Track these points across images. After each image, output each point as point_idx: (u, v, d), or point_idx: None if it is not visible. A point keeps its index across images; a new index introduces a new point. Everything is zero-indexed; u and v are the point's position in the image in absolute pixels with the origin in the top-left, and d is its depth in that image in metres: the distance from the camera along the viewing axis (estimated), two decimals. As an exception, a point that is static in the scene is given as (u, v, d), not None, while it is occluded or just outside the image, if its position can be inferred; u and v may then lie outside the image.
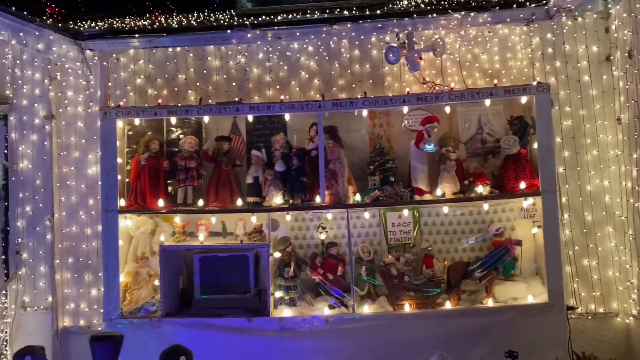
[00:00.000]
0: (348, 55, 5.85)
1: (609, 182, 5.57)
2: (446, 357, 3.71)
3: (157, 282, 5.33)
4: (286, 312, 5.19)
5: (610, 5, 5.49)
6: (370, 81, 5.82)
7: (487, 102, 5.23)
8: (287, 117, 5.41)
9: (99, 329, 5.69)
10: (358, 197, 5.28)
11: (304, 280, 5.40)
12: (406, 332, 5.03)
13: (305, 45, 5.83)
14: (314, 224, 5.63)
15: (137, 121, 5.51)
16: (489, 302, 5.12)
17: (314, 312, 5.15)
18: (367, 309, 5.17)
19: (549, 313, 4.96)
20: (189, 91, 5.86)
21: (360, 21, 5.34)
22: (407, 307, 5.12)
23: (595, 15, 5.58)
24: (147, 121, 5.56)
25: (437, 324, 5.03)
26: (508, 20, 5.31)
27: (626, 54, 5.20)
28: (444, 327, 5.01)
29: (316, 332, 5.05)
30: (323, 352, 5.05)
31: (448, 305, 5.13)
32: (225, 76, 5.86)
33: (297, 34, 5.25)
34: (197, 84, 5.87)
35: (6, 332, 5.65)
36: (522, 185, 5.15)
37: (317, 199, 5.22)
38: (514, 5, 5.19)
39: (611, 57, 5.56)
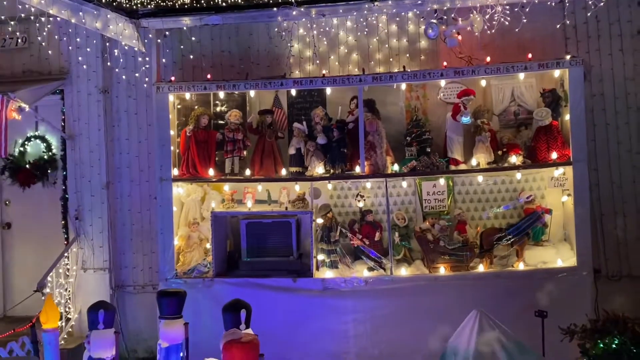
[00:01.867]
0: (386, 30, 6.06)
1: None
2: (485, 312, 4.00)
3: (207, 246, 5.73)
4: (328, 273, 5.56)
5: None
6: (407, 55, 6.05)
7: (521, 75, 5.44)
8: (327, 91, 5.69)
9: (152, 288, 6.15)
10: (396, 167, 5.58)
11: (343, 245, 5.75)
12: (441, 293, 5.36)
13: (344, 21, 6.06)
14: (353, 192, 5.95)
15: (187, 95, 5.84)
16: (520, 266, 5.42)
17: (354, 274, 5.52)
18: (404, 271, 5.51)
19: (577, 275, 5.25)
20: (232, 66, 6.15)
21: (401, -4, 5.54)
22: (442, 270, 5.46)
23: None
24: (195, 95, 5.88)
25: (470, 286, 5.34)
26: (543, -6, 5.47)
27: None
28: (476, 289, 5.32)
29: (357, 292, 5.42)
30: (363, 311, 5.43)
31: (481, 268, 5.44)
32: (267, 52, 6.14)
33: (340, 10, 5.47)
34: (241, 59, 6.15)
35: (69, 290, 6.13)
36: (554, 155, 5.39)
37: (357, 169, 5.52)
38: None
39: (644, 30, 5.71)
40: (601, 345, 3.83)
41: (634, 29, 5.76)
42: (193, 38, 6.12)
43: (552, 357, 4.39)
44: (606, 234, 5.85)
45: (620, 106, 5.85)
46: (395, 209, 5.90)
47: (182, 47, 6.19)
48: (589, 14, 5.71)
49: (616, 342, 3.79)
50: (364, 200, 5.83)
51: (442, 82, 5.63)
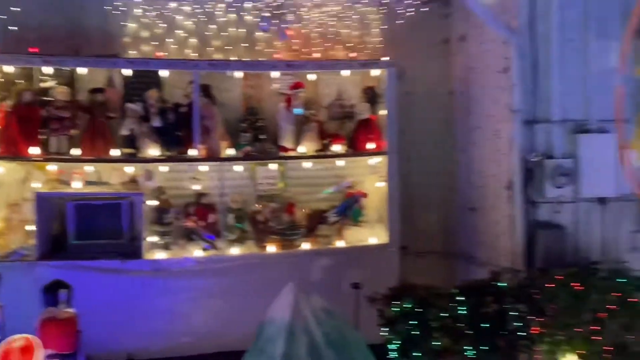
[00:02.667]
0: (225, 18, 6.23)
1: (442, 145, 6.68)
2: (299, 285, 4.43)
3: (29, 228, 5.47)
4: (160, 255, 5.65)
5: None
6: (245, 45, 6.29)
7: (346, 72, 6.01)
8: (164, 73, 5.73)
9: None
10: (231, 152, 5.83)
11: (177, 227, 5.88)
12: (270, 270, 5.73)
13: (182, 5, 6.11)
14: (188, 175, 6.08)
15: (10, 69, 5.48)
16: (340, 244, 6.02)
17: (187, 255, 5.68)
18: (236, 250, 5.81)
19: (386, 252, 5.98)
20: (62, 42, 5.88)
21: (236, -12, 5.77)
22: (272, 249, 5.85)
23: (436, 3, 6.53)
24: (19, 69, 5.53)
25: (296, 263, 5.81)
26: (365, 1, 6.07)
27: (459, 38, 6.26)
28: (302, 265, 5.81)
29: (189, 272, 5.60)
30: (195, 290, 5.62)
31: (306, 246, 5.95)
32: (101, 29, 5.98)
33: (175, -5, 5.56)
34: (71, 35, 5.91)
35: None
36: (372, 145, 6.05)
37: (192, 152, 5.67)
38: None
39: (448, 40, 6.57)
40: (394, 308, 4.49)
41: (441, 37, 6.61)
42: (18, 8, 5.73)
43: (368, 324, 4.96)
44: (415, 216, 6.70)
45: (429, 104, 6.70)
46: (231, 192, 6.15)
47: (4, 17, 5.76)
48: (398, 22, 6.42)
49: (406, 305, 4.47)
50: (200, 183, 6.00)
51: (276, 74, 5.97)
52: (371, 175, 6.32)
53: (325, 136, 6.12)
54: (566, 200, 5.19)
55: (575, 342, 4.49)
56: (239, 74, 5.93)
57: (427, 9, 6.11)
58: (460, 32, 6.25)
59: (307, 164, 6.12)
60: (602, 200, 5.25)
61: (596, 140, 5.07)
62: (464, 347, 4.46)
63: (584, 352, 4.45)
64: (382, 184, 6.25)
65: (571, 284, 4.57)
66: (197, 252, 5.73)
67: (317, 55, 6.20)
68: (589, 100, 5.15)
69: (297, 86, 5.93)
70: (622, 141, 3.17)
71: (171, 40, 6.10)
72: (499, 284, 4.65)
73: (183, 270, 5.60)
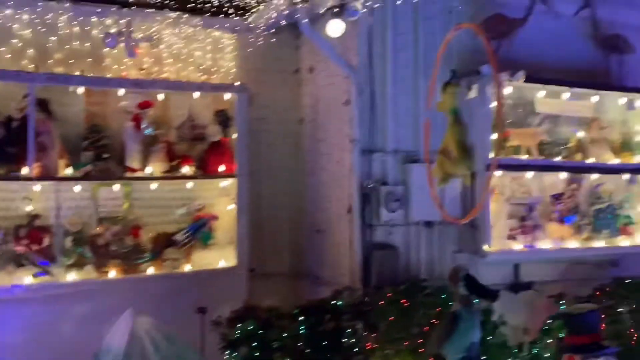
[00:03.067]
0: (68, 31, 5.93)
1: (290, 169, 6.93)
2: (138, 311, 4.32)
3: None
4: (-17, 282, 5.14)
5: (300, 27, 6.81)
6: (90, 59, 6.03)
7: (196, 94, 6.02)
8: (-6, 85, 5.29)
9: None
10: (70, 171, 5.51)
11: (5, 251, 5.39)
12: (112, 296, 5.46)
13: (19, 13, 5.71)
14: (20, 195, 5.63)
15: None
16: (188, 267, 5.95)
17: (16, 281, 5.23)
18: (73, 276, 5.47)
19: (235, 275, 6.02)
20: None
21: (81, 1, 5.54)
22: (113, 273, 5.60)
23: (288, 34, 6.81)
24: None
25: (140, 288, 5.61)
26: (217, 26, 6.18)
27: (308, 69, 6.60)
28: (147, 290, 5.62)
29: (19, 300, 5.16)
30: (27, 319, 5.18)
31: (151, 270, 5.78)
32: None
33: (10, 2, 5.17)
34: None
35: None
36: (222, 168, 6.09)
37: (25, 171, 5.27)
38: (222, 16, 6.07)
39: (298, 70, 6.89)
40: (237, 331, 4.56)
41: (292, 67, 6.90)
42: None
43: (214, 349, 4.93)
44: (265, 238, 6.83)
45: (281, 130, 6.92)
46: (70, 214, 5.80)
47: None
48: (251, 49, 6.62)
49: (249, 327, 4.56)
50: (32, 203, 5.58)
51: (122, 91, 5.80)
52: (222, 197, 6.35)
53: (175, 157, 6.04)
54: (398, 224, 5.66)
55: (404, 354, 4.90)
56: (81, 90, 5.66)
57: (274, 39, 6.38)
58: (309, 64, 6.59)
59: (154, 186, 5.98)
60: (428, 224, 5.81)
61: (423, 169, 5.62)
62: (303, 366, 4.64)
63: (410, 363, 4.87)
64: (232, 207, 6.31)
65: (400, 300, 4.99)
66: (29, 278, 5.30)
67: (167, 75, 6.13)
68: (418, 134, 5.70)
69: (145, 105, 5.81)
70: (430, 171, 3.60)
71: (4, 49, 5.66)
72: (337, 302, 4.93)
73: (12, 298, 5.14)
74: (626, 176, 6.36)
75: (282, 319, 4.72)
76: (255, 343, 4.53)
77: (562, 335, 5.25)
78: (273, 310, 4.74)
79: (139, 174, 5.82)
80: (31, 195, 5.57)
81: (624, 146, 6.43)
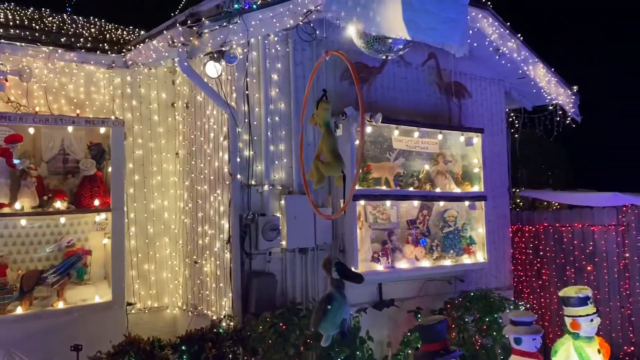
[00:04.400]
0: None
1: (168, 202, 7.06)
2: (15, 353, 4.20)
3: None
4: None
5: (177, 64, 7.04)
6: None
7: (70, 128, 5.97)
8: None
9: None
10: None
11: None
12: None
13: None
14: None
15: None
16: (60, 305, 5.79)
17: None
18: None
19: (112, 309, 5.97)
20: None
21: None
22: (-24, 316, 5.30)
23: (165, 69, 7.03)
24: None
25: (8, 328, 5.37)
26: (92, 62, 6.21)
27: (184, 104, 6.84)
28: (16, 330, 5.39)
29: None
30: None
31: (19, 310, 5.54)
32: None
33: None
34: None
35: None
36: (97, 202, 6.05)
37: None
38: (98, 51, 6.12)
39: (175, 104, 7.10)
40: (120, 365, 4.59)
41: (168, 101, 7.08)
42: None
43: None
44: (140, 272, 6.84)
45: (159, 163, 7.02)
46: None
47: None
48: (131, 82, 6.74)
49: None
50: None
51: (-13, 125, 5.58)
52: (96, 232, 6.28)
53: (46, 192, 5.90)
54: (275, 252, 6.06)
55: (283, 374, 5.24)
56: (-59, 122, 5.37)
57: (151, 76, 6.56)
58: (187, 98, 6.83)
59: (24, 221, 5.78)
60: (303, 251, 6.28)
61: (297, 200, 6.11)
62: (186, 394, 4.79)
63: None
64: (106, 241, 6.27)
65: (279, 324, 5.35)
66: None
67: (38, 108, 6.01)
68: (293, 168, 6.21)
69: (13, 139, 5.63)
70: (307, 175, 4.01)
71: None
72: (219, 330, 5.16)
73: None
74: (467, 203, 7.38)
75: (164, 350, 4.83)
76: (139, 375, 4.60)
77: (418, 345, 5.98)
78: (155, 341, 4.84)
79: (7, 210, 5.60)
80: None
81: (465, 177, 7.47)
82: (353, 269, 6.19)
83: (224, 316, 5.76)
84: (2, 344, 5.25)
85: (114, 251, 6.08)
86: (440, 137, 7.25)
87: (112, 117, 6.21)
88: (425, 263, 6.96)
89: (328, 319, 4.07)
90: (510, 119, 8.96)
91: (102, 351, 4.83)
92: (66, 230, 6.22)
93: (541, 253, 8.83)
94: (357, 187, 5.96)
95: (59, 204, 5.85)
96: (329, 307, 4.04)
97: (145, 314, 6.79)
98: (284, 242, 6.09)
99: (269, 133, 6.13)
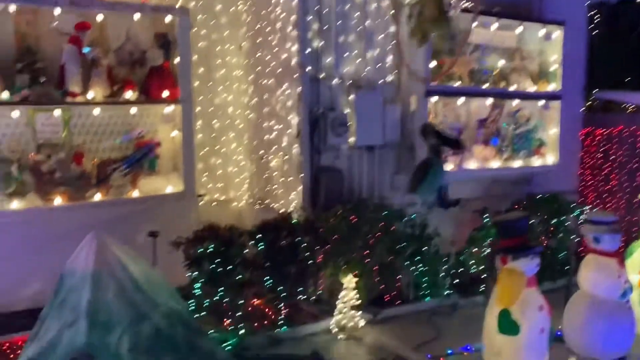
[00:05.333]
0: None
1: (233, 96, 6.98)
2: (101, 233, 4.33)
3: None
4: None
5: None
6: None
7: (136, 16, 5.81)
8: None
9: None
10: (6, 95, 5.23)
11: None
12: (58, 224, 5.43)
13: None
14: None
15: None
16: (135, 194, 5.96)
17: (-44, 210, 5.04)
18: (15, 205, 5.33)
19: (184, 200, 6.11)
20: None
21: None
22: (59, 201, 5.51)
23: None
24: None
25: (87, 215, 5.57)
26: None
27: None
28: (94, 217, 5.58)
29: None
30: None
31: (98, 197, 5.74)
32: None
33: None
34: None
35: None
36: (165, 93, 6.01)
37: (-46, 94, 4.96)
38: None
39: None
40: (200, 249, 4.75)
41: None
42: None
43: (165, 270, 5.09)
44: (207, 165, 6.93)
45: (218, 54, 6.85)
46: (5, 140, 5.55)
47: None
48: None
49: (211, 246, 4.76)
50: (-35, 129, 5.29)
51: (58, 10, 5.46)
52: (165, 123, 6.31)
53: (115, 82, 5.88)
54: (343, 148, 5.98)
55: (352, 264, 5.34)
56: (12, 7, 5.28)
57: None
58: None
59: (96, 111, 5.82)
60: (370, 148, 6.18)
61: (367, 95, 5.91)
62: (263, 279, 4.97)
63: (358, 272, 5.33)
64: (176, 133, 6.30)
65: (350, 217, 5.38)
66: (-33, 207, 5.11)
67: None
68: (364, 59, 5.94)
69: (83, 26, 5.54)
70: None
71: None
72: (292, 221, 5.23)
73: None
74: (542, 102, 7.02)
75: (242, 237, 4.95)
76: (218, 260, 4.75)
77: (488, 241, 5.98)
78: (233, 229, 4.96)
79: (79, 99, 5.63)
80: (-38, 121, 5.27)
81: (541, 75, 7.06)
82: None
83: (293, 209, 5.82)
84: (85, 229, 5.47)
85: (184, 142, 6.11)
86: (519, 30, 6.76)
87: (178, 6, 6.00)
88: (494, 164, 6.78)
89: (426, 183, 3.98)
90: (591, 13, 8.27)
91: (182, 236, 4.98)
92: (136, 122, 6.26)
93: (612, 157, 8.46)
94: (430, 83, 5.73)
95: (129, 94, 5.83)
96: (428, 172, 3.89)
97: (212, 206, 6.95)
98: (352, 139, 5.98)
99: (339, 22, 5.82)
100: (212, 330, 4.60)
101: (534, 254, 4.26)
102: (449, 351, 4.77)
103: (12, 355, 4.54)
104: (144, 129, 6.21)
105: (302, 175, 5.80)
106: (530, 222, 6.48)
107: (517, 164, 6.95)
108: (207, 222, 5.26)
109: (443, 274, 5.88)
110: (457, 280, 6.02)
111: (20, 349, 4.57)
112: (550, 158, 7.18)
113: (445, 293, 5.87)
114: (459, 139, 4.23)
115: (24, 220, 5.31)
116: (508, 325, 4.20)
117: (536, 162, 7.10)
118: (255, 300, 5.03)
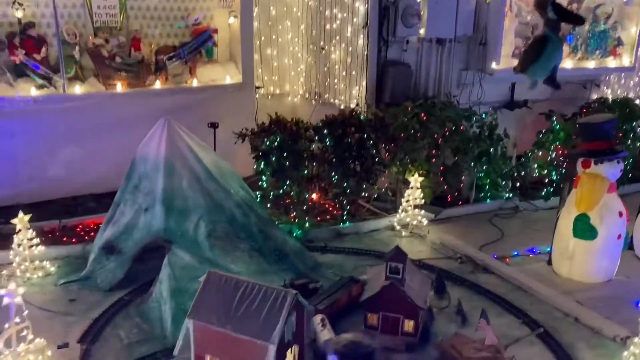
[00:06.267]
0: None
1: (291, -18, 6.54)
2: (172, 120, 4.22)
3: None
4: (-16, 93, 4.86)
5: None
6: None
7: None
8: None
9: None
10: (62, -27, 4.97)
11: (2, 60, 5.03)
12: (118, 109, 5.37)
13: None
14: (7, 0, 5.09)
15: None
16: (194, 83, 5.79)
17: (19, 93, 4.98)
18: (78, 89, 5.24)
19: (243, 91, 5.95)
20: None
21: None
22: (119, 87, 5.40)
23: None
24: None
25: (148, 103, 5.48)
26: None
27: None
28: (154, 105, 5.50)
29: (25, 113, 4.96)
30: (34, 132, 5.05)
31: (157, 84, 5.60)
32: None
33: None
34: None
35: None
36: (223, -24, 5.66)
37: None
38: None
39: None
40: (267, 142, 4.64)
41: None
42: None
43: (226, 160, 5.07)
44: (263, 56, 6.65)
45: None
46: (63, 23, 5.35)
47: None
48: None
49: (277, 139, 4.65)
50: (24, 9, 5.07)
51: None
52: (222, 9, 5.99)
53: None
54: (412, 41, 5.63)
55: (418, 163, 5.22)
56: None
57: None
58: None
59: (153, -6, 5.54)
60: (440, 41, 5.81)
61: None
62: (330, 174, 4.89)
63: (424, 171, 5.21)
64: (233, 20, 6.00)
65: (421, 114, 5.17)
66: (32, 89, 5.04)
67: None
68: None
69: None
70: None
71: None
72: (359, 117, 5.04)
73: (17, 110, 4.93)
74: (625, -3, 6.45)
75: (308, 131, 4.81)
76: (285, 153, 4.66)
77: (556, 145, 5.75)
78: (300, 123, 4.81)
79: (136, -20, 5.34)
80: (21, 0, 5.05)
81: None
82: (494, 65, 5.78)
83: (356, 104, 5.62)
84: (145, 116, 5.39)
85: (242, 32, 5.84)
86: None
87: None
88: (566, 64, 6.37)
89: (540, 62, 3.66)
90: None
91: (247, 128, 4.87)
92: (192, 7, 5.96)
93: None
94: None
95: (186, -24, 5.50)
96: (544, 49, 3.57)
97: (267, 99, 6.77)
98: (422, 30, 5.61)
99: None
100: (278, 222, 4.61)
101: (620, 158, 4.05)
102: (515, 252, 4.72)
103: (86, 237, 4.65)
104: (199, 16, 5.92)
105: (367, 69, 5.52)
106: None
107: (590, 64, 6.51)
108: (266, 115, 5.11)
109: (505, 176, 5.73)
110: (519, 184, 5.88)
111: (92, 231, 4.72)
112: (626, 59, 6.70)
113: (507, 196, 5.75)
114: (579, 15, 3.77)
115: (86, 105, 5.25)
116: (586, 229, 4.10)
117: (611, 63, 6.64)
118: (320, 194, 4.99)
